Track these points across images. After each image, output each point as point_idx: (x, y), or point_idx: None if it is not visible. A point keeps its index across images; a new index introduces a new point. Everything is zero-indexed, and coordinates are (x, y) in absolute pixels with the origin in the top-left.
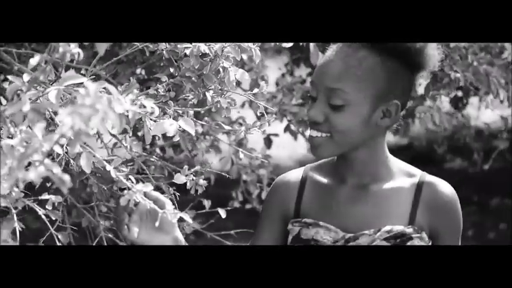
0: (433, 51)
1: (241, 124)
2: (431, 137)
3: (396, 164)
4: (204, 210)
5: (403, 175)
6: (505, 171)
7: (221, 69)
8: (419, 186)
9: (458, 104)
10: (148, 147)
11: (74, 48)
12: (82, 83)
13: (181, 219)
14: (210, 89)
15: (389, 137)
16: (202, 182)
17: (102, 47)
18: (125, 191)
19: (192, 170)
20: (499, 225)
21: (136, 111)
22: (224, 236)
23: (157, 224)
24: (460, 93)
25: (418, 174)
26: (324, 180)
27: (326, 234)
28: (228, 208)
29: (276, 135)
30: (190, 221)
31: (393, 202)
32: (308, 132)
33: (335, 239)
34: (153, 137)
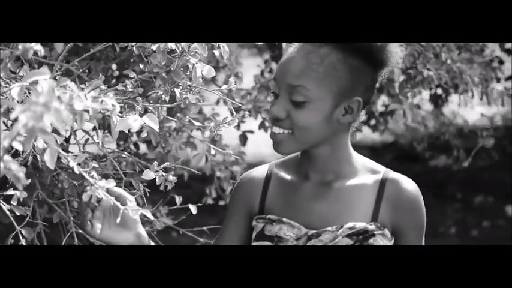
0: (395, 49)
1: (211, 120)
2: (417, 135)
3: (360, 160)
4: (175, 207)
5: (366, 172)
6: (491, 169)
7: (190, 66)
8: (383, 183)
9: (438, 101)
10: (122, 143)
11: (35, 45)
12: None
13: (154, 216)
14: (178, 85)
15: (375, 135)
16: (171, 178)
17: (59, 45)
18: (87, 187)
19: (162, 166)
20: (482, 223)
21: (97, 108)
22: (198, 233)
23: (118, 220)
24: (440, 91)
25: (382, 171)
26: (289, 176)
27: (289, 231)
28: (199, 204)
29: (251, 132)
30: (151, 217)
31: (356, 199)
32: (271, 129)
33: (298, 235)
34: (127, 133)
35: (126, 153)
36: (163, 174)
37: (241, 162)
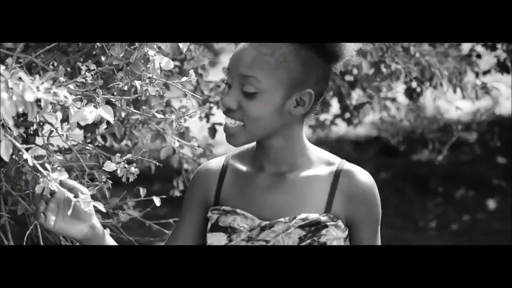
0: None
1: (172, 112)
2: (393, 129)
3: (315, 152)
4: (139, 199)
5: (321, 163)
6: (472, 163)
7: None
8: (337, 174)
9: (412, 95)
10: (89, 135)
11: None
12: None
13: (120, 208)
14: (138, 78)
15: (359, 130)
16: (133, 170)
17: None
18: (40, 179)
19: (124, 158)
20: (463, 217)
21: (48, 99)
22: (163, 225)
23: (69, 212)
24: (414, 85)
25: (337, 162)
26: (244, 168)
27: (243, 222)
28: (163, 196)
29: (221, 124)
30: (103, 209)
31: (310, 190)
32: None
33: (251, 226)
34: (95, 125)
35: (90, 145)
36: (126, 166)
37: (210, 155)
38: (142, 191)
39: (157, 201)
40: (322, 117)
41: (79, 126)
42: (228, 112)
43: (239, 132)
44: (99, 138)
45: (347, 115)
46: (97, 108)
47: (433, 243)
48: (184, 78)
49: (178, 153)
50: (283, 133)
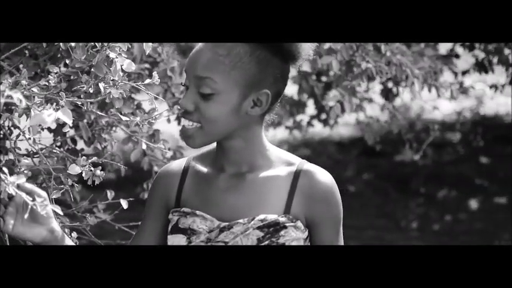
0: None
1: (133, 114)
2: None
3: (275, 153)
4: (106, 202)
5: (281, 164)
6: (456, 163)
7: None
8: (297, 175)
9: (388, 95)
10: (59, 138)
11: None
12: None
13: (90, 211)
14: (102, 80)
15: (343, 131)
16: (99, 173)
17: None
18: None
19: (89, 160)
20: (444, 217)
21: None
22: (133, 227)
23: (26, 215)
24: (390, 85)
25: (297, 162)
26: (205, 169)
27: (202, 223)
28: (131, 199)
29: None
30: (60, 212)
31: (269, 191)
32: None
33: (210, 228)
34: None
35: (57, 148)
36: (92, 169)
37: (180, 157)
38: (110, 194)
39: (124, 203)
40: (298, 118)
41: (49, 129)
42: (185, 114)
43: (197, 133)
44: (69, 141)
45: (323, 116)
46: (57, 111)
47: (414, 243)
48: (147, 81)
49: (149, 155)
50: (241, 134)
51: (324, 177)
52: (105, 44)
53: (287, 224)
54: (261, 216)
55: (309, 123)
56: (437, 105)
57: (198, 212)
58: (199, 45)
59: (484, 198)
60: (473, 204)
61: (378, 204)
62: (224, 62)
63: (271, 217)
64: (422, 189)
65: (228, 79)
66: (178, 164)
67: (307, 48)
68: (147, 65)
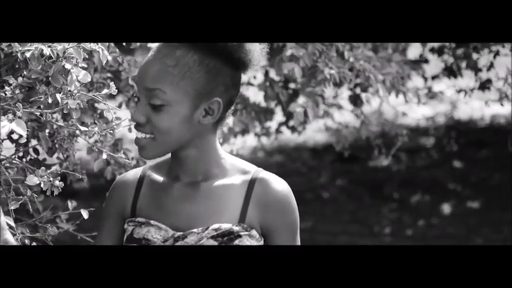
0: (252, 47)
1: (95, 124)
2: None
3: (230, 161)
4: (67, 212)
5: (236, 172)
6: (429, 168)
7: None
8: (252, 183)
9: (356, 101)
10: (21, 148)
11: None
12: None
13: (53, 221)
14: (59, 91)
15: (318, 136)
16: (58, 183)
17: None
18: None
19: (48, 171)
20: (417, 222)
21: None
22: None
23: None
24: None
25: (252, 171)
26: (161, 178)
27: (156, 233)
28: (92, 209)
29: None
30: (12, 224)
31: (224, 199)
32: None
33: (165, 237)
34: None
35: (17, 159)
36: (51, 179)
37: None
38: (71, 204)
39: (85, 214)
40: (267, 124)
41: (11, 140)
42: (137, 126)
43: (150, 145)
44: (31, 151)
45: (291, 123)
46: (26, 122)
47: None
48: (105, 91)
49: (112, 165)
50: (195, 143)
51: (279, 185)
52: (61, 55)
53: (241, 233)
54: (215, 226)
55: (278, 130)
56: (411, 110)
57: (152, 222)
58: (148, 57)
59: (457, 203)
60: (446, 208)
61: (351, 210)
62: (173, 73)
63: (226, 226)
64: (395, 194)
65: (178, 90)
66: (134, 174)
67: (257, 55)
68: (109, 74)
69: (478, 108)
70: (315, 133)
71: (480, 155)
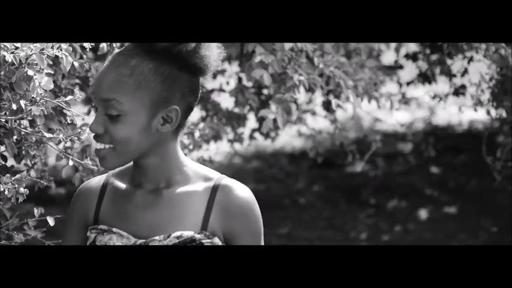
0: (208, 52)
1: (61, 130)
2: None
3: (193, 168)
4: (33, 219)
5: (198, 179)
6: (406, 174)
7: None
8: (214, 190)
9: (329, 107)
10: None
11: None
12: None
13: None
14: (22, 97)
15: (296, 142)
16: (22, 190)
17: None
18: None
19: (13, 178)
20: (394, 228)
21: None
22: None
23: None
24: (331, 97)
25: (215, 177)
26: (123, 186)
27: (118, 241)
28: (58, 216)
29: None
30: None
31: (186, 207)
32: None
33: (127, 245)
34: None
35: None
36: (16, 186)
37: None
38: (37, 211)
39: (51, 221)
40: (239, 130)
41: None
42: (96, 137)
43: (110, 155)
44: None
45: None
46: None
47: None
48: (69, 97)
49: (80, 171)
50: (156, 151)
51: (242, 192)
52: (23, 61)
53: (203, 241)
54: (177, 233)
55: (251, 136)
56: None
57: (114, 229)
58: (103, 67)
59: (434, 208)
60: (423, 214)
61: (327, 216)
62: (128, 82)
63: (188, 234)
64: (372, 200)
65: (134, 99)
66: (97, 181)
67: (214, 60)
68: (77, 81)
69: (456, 113)
70: (292, 138)
71: (457, 160)
